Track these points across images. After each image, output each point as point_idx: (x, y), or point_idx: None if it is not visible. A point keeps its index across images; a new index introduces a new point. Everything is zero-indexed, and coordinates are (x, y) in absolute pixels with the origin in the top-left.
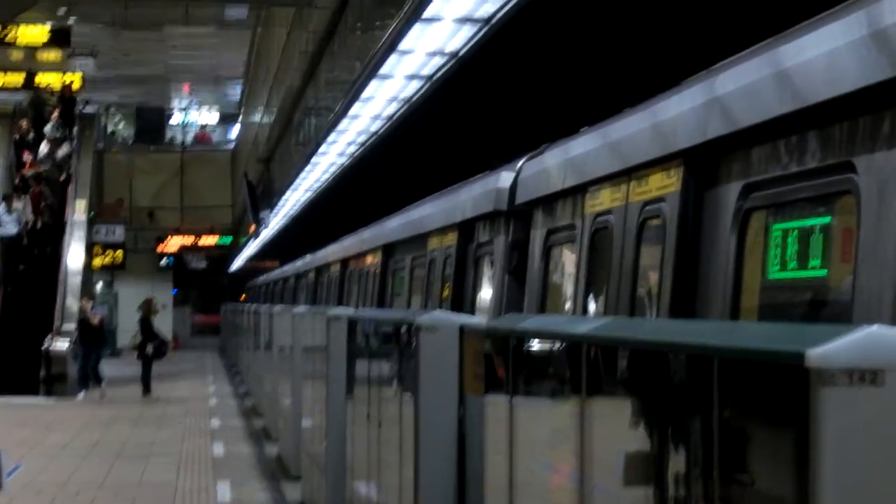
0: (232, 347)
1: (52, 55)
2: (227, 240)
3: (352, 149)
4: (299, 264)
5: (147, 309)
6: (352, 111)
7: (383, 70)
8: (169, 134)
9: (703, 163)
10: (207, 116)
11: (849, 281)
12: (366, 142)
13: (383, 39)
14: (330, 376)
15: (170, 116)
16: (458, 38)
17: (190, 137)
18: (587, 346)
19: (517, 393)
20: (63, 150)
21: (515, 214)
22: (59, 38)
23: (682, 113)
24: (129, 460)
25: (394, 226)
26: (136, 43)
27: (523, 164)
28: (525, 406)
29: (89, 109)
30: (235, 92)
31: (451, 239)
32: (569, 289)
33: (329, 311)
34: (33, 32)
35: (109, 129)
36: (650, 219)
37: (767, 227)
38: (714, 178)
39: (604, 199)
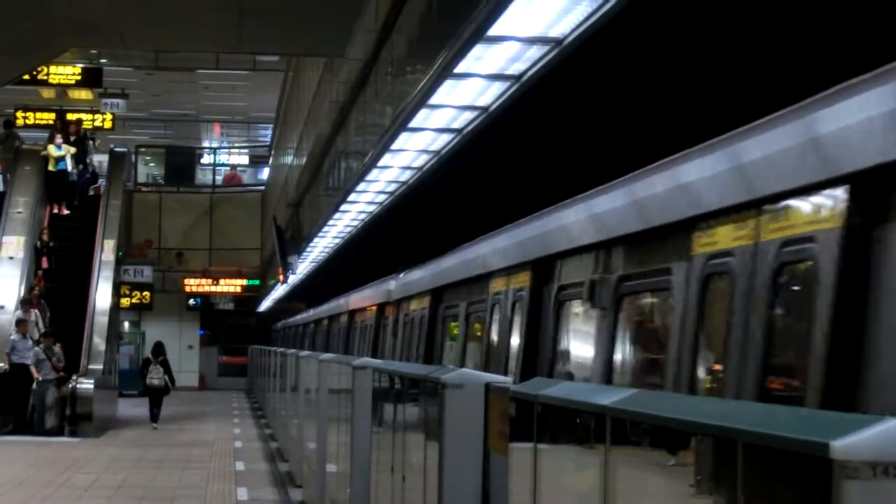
0: (258, 389)
1: (84, 94)
2: (255, 282)
3: (380, 198)
4: (314, 313)
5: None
6: (380, 162)
7: (413, 123)
8: (199, 174)
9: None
10: (238, 158)
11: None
12: (388, 197)
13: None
14: (354, 426)
15: (200, 157)
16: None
17: (220, 178)
18: (610, 418)
19: (541, 455)
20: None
21: (396, 304)
22: (91, 78)
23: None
24: (153, 503)
25: (358, 295)
26: (168, 84)
27: (400, 276)
28: (549, 468)
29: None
30: (266, 133)
31: (374, 312)
32: (412, 348)
33: (355, 361)
34: (65, 72)
35: (140, 169)
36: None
37: (570, 310)
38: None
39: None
